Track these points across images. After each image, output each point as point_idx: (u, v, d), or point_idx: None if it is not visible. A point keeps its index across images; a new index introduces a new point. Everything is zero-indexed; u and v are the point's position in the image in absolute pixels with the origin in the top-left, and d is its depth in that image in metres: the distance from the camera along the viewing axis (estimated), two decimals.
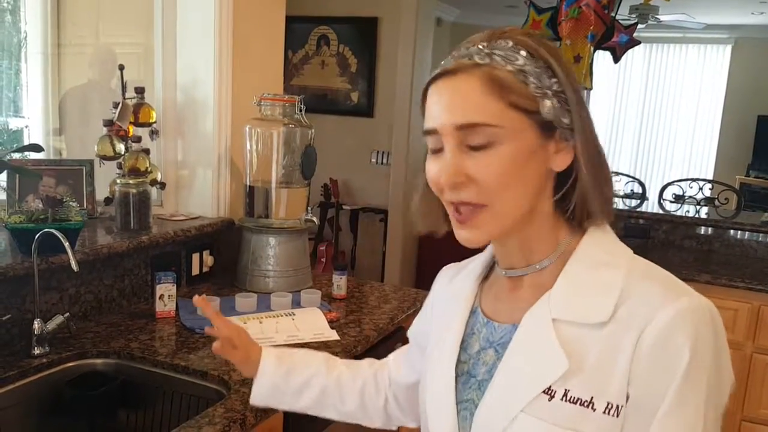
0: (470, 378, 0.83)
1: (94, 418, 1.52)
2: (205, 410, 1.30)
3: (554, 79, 0.76)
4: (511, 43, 0.76)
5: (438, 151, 0.78)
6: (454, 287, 0.94)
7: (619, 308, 0.73)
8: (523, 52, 0.75)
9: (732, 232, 3.26)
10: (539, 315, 0.78)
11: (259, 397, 1.08)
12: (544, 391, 0.73)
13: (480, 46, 0.77)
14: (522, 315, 0.79)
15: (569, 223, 0.81)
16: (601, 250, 0.79)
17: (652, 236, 3.35)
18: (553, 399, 0.73)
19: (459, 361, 0.85)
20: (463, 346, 0.86)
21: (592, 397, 0.71)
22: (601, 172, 0.79)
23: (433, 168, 0.78)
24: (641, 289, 0.74)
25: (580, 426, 0.71)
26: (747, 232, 3.24)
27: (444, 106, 0.76)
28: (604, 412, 0.71)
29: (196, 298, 1.14)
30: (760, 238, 3.21)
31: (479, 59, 0.76)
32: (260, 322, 1.75)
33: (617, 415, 0.71)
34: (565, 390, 0.72)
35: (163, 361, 1.52)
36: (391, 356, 1.12)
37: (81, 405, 1.50)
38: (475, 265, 0.93)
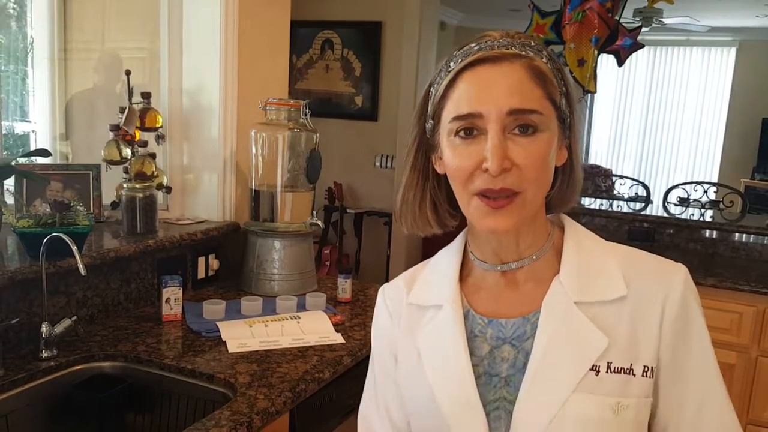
0: (492, 377, 0.82)
1: (101, 421, 1.53)
2: (212, 413, 1.31)
3: (562, 81, 0.81)
4: (533, 42, 0.80)
5: (470, 136, 0.78)
6: (421, 299, 0.90)
7: (630, 283, 0.81)
8: (545, 52, 0.80)
9: (737, 235, 3.26)
10: (558, 301, 0.81)
11: None
12: (590, 369, 0.78)
13: (509, 40, 0.79)
14: (529, 307, 0.83)
15: (549, 218, 0.88)
16: (585, 239, 0.87)
17: (656, 239, 3.35)
18: (599, 374, 0.78)
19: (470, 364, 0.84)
20: (468, 349, 0.84)
21: (631, 364, 0.78)
22: (578, 171, 0.87)
23: (466, 154, 0.78)
24: (639, 266, 0.83)
25: (626, 391, 0.78)
26: (752, 236, 3.23)
27: (494, 91, 0.76)
28: (642, 375, 0.78)
29: None
30: (765, 242, 3.20)
31: (518, 50, 0.78)
32: (266, 326, 1.76)
33: (652, 376, 0.79)
34: (608, 363, 0.78)
35: (169, 364, 1.53)
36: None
37: (88, 408, 1.51)
38: (441, 272, 0.91)
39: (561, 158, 0.83)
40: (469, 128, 0.78)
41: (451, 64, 0.80)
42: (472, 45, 0.80)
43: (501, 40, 0.79)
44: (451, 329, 0.85)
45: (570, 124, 0.83)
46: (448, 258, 0.92)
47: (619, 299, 0.80)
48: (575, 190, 0.87)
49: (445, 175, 0.84)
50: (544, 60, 0.79)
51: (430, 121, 0.84)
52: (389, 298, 0.96)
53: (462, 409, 0.81)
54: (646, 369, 0.78)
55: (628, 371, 0.78)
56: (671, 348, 0.79)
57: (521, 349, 0.81)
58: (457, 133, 0.79)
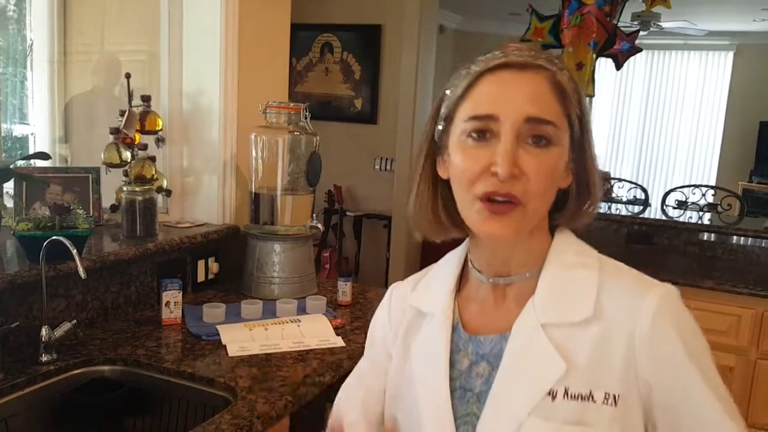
0: (466, 392, 0.84)
1: (101, 425, 1.53)
2: (212, 417, 1.31)
3: (579, 103, 0.81)
4: (556, 60, 0.80)
5: (482, 139, 0.77)
6: (419, 303, 0.92)
7: (602, 304, 0.79)
8: (566, 71, 0.80)
9: (735, 238, 3.26)
10: (528, 322, 0.81)
11: None
12: (546, 393, 0.77)
13: (535, 53, 0.79)
14: (509, 324, 0.82)
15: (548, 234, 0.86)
16: (571, 252, 0.84)
17: (654, 242, 3.35)
18: (555, 399, 0.76)
19: (450, 378, 0.85)
20: (451, 362, 0.86)
21: (590, 390, 0.76)
22: (595, 195, 0.84)
23: (475, 156, 0.77)
24: (617, 285, 0.80)
25: (583, 418, 0.75)
26: (750, 238, 3.24)
27: (514, 96, 0.76)
28: (603, 402, 0.75)
29: None
30: (763, 244, 3.21)
31: (544, 63, 0.79)
32: (266, 329, 1.76)
33: (615, 404, 0.75)
34: (566, 388, 0.77)
35: (169, 368, 1.53)
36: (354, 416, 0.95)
37: (88, 412, 1.51)
38: (442, 278, 0.92)
39: (565, 181, 0.82)
40: (483, 131, 0.77)
41: (473, 66, 0.80)
42: (497, 52, 0.79)
43: (527, 51, 0.79)
44: (437, 341, 0.87)
45: (580, 145, 0.81)
46: (450, 264, 0.93)
47: (585, 321, 0.78)
48: (590, 209, 0.85)
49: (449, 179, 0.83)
50: (566, 78, 0.79)
51: (442, 122, 0.83)
52: (395, 301, 0.98)
53: (435, 419, 0.84)
54: (607, 396, 0.75)
55: (586, 398, 0.76)
56: (652, 376, 0.76)
57: (496, 366, 0.82)
58: (469, 134, 0.78)
